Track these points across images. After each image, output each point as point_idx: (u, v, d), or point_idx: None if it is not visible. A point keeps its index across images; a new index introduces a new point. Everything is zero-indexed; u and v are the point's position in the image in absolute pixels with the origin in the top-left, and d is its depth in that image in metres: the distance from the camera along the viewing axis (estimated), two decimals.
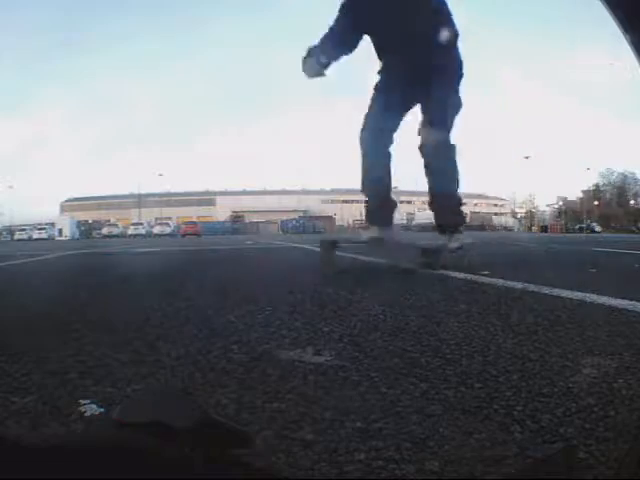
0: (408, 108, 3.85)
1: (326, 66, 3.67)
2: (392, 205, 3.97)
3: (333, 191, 70.96)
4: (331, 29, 3.69)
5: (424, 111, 3.73)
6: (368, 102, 3.83)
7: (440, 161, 3.62)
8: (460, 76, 3.73)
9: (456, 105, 3.72)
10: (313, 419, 0.94)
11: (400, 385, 1.11)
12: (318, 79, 3.69)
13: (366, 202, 3.90)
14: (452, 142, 3.64)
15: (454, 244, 3.60)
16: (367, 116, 3.80)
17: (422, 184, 3.90)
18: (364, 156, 3.78)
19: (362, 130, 3.79)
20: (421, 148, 3.70)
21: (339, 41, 3.72)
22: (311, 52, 3.62)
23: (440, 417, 0.94)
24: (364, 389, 1.10)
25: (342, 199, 68.97)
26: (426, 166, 3.69)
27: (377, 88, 3.86)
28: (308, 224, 50.02)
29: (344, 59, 3.80)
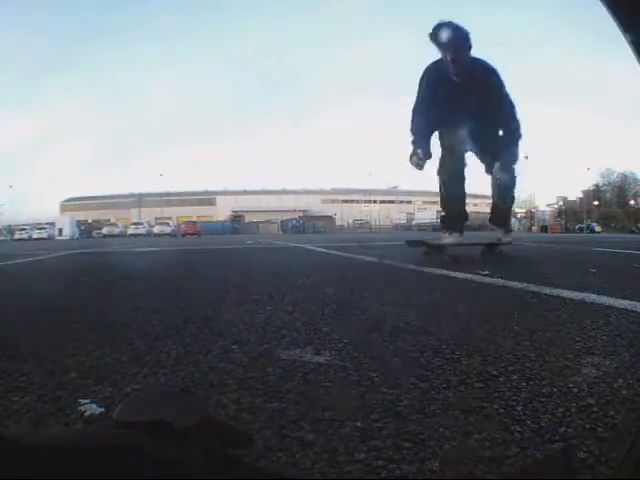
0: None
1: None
2: (466, 216, 5.37)
3: (333, 191, 70.89)
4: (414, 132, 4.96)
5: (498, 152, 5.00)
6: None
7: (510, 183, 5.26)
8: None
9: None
10: (313, 419, 0.94)
11: (400, 385, 1.11)
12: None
13: (445, 214, 5.25)
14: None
15: (508, 238, 5.63)
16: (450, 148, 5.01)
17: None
18: (451, 178, 5.02)
19: (449, 158, 4.99)
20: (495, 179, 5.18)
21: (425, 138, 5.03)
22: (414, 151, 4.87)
23: (440, 417, 0.94)
24: (364, 389, 1.10)
25: (342, 199, 68.89)
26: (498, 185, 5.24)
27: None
28: (308, 224, 49.95)
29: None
